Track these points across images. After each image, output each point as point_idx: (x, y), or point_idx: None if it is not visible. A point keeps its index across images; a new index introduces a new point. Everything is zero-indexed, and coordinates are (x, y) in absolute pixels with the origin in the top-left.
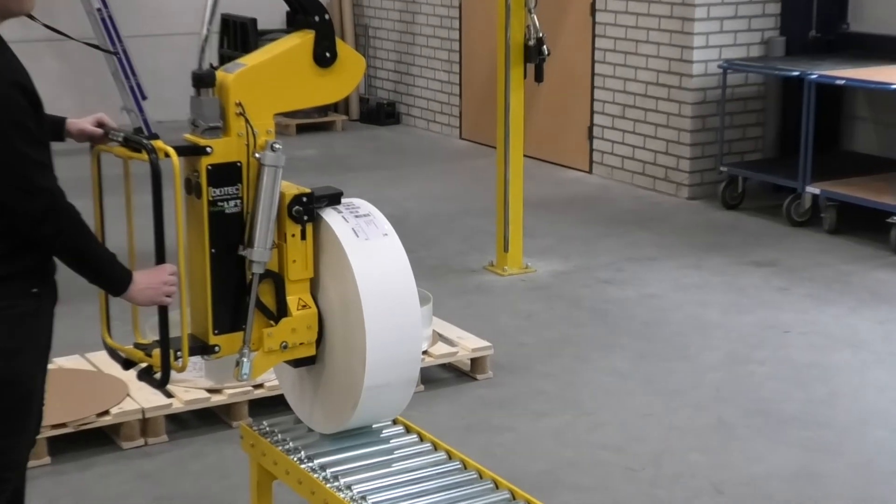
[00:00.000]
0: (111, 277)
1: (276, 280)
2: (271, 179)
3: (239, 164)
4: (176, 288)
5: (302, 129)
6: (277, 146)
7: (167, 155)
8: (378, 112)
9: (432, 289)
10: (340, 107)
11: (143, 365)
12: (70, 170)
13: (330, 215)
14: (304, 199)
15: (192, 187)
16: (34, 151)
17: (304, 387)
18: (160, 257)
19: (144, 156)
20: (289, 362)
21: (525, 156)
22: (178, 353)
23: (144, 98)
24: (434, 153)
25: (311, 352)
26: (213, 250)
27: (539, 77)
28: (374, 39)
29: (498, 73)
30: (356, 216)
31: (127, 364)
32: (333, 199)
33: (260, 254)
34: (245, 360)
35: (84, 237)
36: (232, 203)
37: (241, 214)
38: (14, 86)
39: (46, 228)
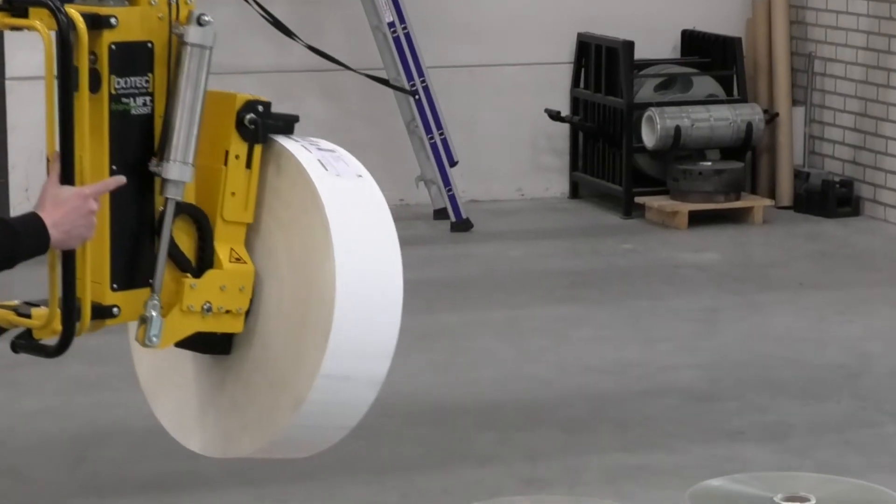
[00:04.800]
0: (15, 240)
1: (199, 218)
2: (196, 65)
3: (150, 44)
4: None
5: (698, 218)
6: (206, 18)
7: (69, 26)
8: (825, 196)
9: None
10: (762, 186)
11: (18, 330)
12: None
13: (286, 141)
14: (261, 108)
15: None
16: None
17: (198, 378)
18: (67, 175)
19: (35, 22)
20: (198, 343)
21: None
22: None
23: (453, 164)
24: None
25: (238, 327)
26: (113, 167)
27: None
28: (822, 78)
29: None
30: (319, 149)
31: None
32: (286, 124)
33: (178, 170)
34: (154, 314)
35: None
36: (139, 101)
37: (151, 118)
38: None
39: None
